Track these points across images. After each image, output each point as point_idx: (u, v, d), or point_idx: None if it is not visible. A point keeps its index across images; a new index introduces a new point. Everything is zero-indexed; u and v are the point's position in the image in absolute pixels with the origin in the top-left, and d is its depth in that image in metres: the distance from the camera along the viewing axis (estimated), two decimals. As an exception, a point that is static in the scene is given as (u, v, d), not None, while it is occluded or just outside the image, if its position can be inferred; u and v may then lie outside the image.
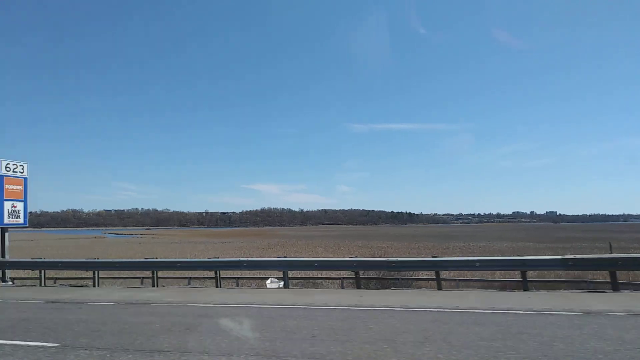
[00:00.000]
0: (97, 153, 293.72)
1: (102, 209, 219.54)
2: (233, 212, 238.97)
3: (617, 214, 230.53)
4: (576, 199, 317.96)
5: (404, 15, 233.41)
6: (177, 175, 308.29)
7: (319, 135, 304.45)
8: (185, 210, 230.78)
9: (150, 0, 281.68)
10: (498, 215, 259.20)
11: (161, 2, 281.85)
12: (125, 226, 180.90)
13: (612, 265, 9.26)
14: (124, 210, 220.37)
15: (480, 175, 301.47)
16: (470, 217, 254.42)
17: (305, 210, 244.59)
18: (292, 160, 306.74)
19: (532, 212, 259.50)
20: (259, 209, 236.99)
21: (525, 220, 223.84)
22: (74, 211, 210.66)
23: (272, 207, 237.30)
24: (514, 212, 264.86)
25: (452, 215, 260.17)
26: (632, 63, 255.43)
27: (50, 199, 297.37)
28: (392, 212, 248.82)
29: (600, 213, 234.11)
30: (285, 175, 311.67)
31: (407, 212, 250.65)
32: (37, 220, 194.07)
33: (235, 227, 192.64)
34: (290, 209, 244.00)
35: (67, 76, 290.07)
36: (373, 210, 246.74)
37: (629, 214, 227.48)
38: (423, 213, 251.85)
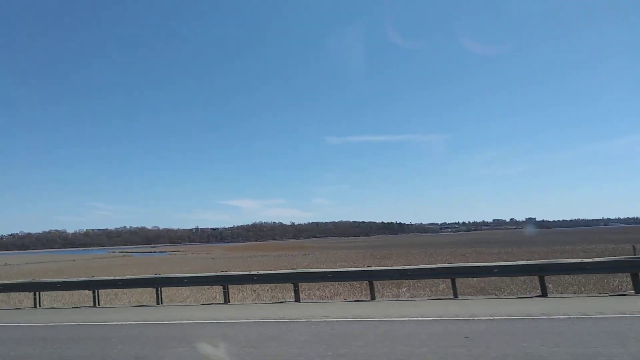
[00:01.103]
0: (67, 171, 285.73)
1: (75, 229, 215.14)
2: (224, 228, 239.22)
3: (597, 218, 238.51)
4: (553, 205, 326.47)
5: (380, 28, 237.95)
6: (152, 193, 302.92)
7: (296, 149, 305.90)
8: (175, 227, 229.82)
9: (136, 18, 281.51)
10: (484, 223, 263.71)
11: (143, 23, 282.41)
12: (113, 245, 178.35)
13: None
14: (107, 229, 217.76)
15: (458, 184, 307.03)
16: (456, 226, 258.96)
17: (296, 223, 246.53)
18: (270, 175, 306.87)
19: (512, 219, 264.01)
20: (241, 224, 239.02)
21: (511, 227, 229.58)
22: (58, 232, 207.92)
23: (254, 222, 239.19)
24: (494, 220, 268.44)
25: (437, 224, 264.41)
26: (604, 72, 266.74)
27: (30, 220, 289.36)
28: (382, 222, 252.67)
29: (581, 218, 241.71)
30: (263, 190, 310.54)
31: (398, 222, 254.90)
32: (22, 242, 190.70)
33: (229, 242, 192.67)
34: (281, 222, 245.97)
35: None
36: (364, 222, 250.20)
37: (608, 218, 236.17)
38: (412, 223, 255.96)
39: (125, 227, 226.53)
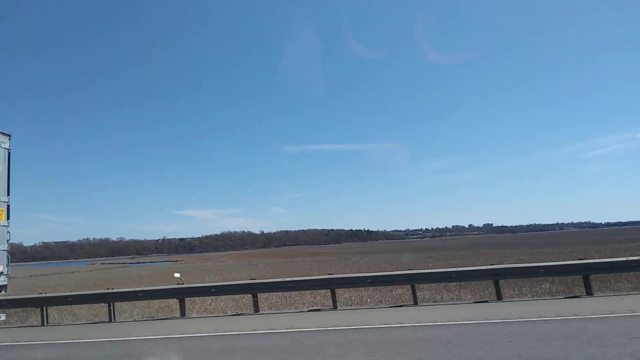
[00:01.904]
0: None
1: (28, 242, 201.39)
2: (192, 238, 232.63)
3: (551, 223, 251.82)
4: (507, 211, 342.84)
5: (339, 39, 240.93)
6: (101, 203, 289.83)
7: (253, 157, 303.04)
8: (142, 238, 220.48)
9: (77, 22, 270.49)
10: (446, 229, 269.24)
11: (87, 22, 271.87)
12: (77, 258, 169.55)
13: None
14: (68, 241, 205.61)
15: (417, 191, 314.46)
16: (420, 232, 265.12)
17: (265, 232, 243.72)
18: (227, 184, 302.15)
19: (470, 225, 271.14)
20: (208, 234, 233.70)
21: (474, 233, 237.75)
22: (15, 244, 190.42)
23: (209, 233, 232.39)
24: (454, 226, 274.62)
25: (401, 231, 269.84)
26: (558, 82, 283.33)
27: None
28: (351, 230, 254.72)
29: (536, 223, 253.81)
30: (219, 200, 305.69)
31: (366, 229, 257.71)
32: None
33: (198, 252, 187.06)
34: (250, 231, 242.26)
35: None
36: (333, 229, 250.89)
37: (562, 223, 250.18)
38: (378, 230, 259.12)
39: (88, 238, 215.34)
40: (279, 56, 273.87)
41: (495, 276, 10.28)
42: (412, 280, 10.70)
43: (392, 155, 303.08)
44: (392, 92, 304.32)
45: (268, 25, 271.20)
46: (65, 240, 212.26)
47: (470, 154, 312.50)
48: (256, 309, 10.85)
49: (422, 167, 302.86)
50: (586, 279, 10.07)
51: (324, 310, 10.35)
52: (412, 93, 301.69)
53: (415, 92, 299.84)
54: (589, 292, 9.90)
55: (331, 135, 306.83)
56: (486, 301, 9.96)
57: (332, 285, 10.80)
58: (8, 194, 9.53)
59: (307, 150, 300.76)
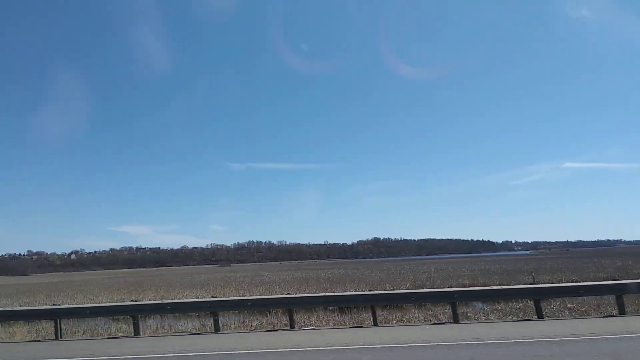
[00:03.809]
0: None
1: None
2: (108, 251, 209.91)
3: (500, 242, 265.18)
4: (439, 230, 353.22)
5: (280, 57, 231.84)
6: (23, 215, 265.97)
7: (195, 174, 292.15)
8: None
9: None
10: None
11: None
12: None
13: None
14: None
15: (353, 211, 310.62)
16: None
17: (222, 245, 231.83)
18: (165, 200, 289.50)
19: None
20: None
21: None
22: None
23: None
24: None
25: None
26: (489, 118, 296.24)
27: None
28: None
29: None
30: (157, 215, 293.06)
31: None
32: None
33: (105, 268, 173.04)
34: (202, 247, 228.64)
35: None
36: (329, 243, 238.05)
37: (514, 242, 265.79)
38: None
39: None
40: (223, 74, 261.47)
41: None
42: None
43: (328, 174, 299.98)
44: (328, 109, 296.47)
45: (208, 37, 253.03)
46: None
47: (408, 179, 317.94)
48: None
49: (361, 189, 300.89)
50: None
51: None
52: (348, 111, 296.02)
53: (352, 110, 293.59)
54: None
55: (274, 154, 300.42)
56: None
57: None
58: None
59: (251, 168, 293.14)
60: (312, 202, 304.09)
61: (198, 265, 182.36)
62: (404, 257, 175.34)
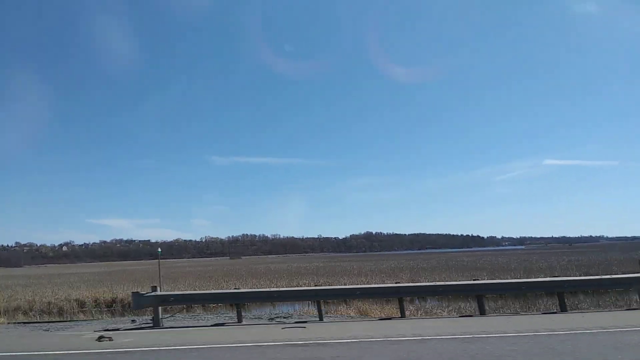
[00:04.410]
0: None
1: None
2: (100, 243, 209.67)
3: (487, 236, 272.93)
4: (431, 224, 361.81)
5: (264, 54, 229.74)
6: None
7: (179, 167, 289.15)
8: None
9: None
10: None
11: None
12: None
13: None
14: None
15: (340, 206, 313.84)
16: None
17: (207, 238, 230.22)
18: (148, 193, 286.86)
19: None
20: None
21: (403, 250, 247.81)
22: None
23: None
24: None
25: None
26: (473, 113, 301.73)
27: None
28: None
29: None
30: (138, 209, 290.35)
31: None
32: None
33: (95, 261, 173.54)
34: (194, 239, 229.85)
35: None
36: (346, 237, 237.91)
37: (502, 237, 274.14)
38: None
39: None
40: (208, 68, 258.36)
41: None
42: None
43: (319, 170, 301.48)
44: (316, 105, 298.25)
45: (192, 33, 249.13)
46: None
47: (393, 175, 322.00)
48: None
49: (348, 184, 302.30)
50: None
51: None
52: (335, 107, 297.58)
53: (339, 106, 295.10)
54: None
55: (260, 148, 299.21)
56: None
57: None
58: None
59: (235, 162, 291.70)
60: (298, 197, 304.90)
61: (193, 258, 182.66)
62: (397, 252, 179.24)
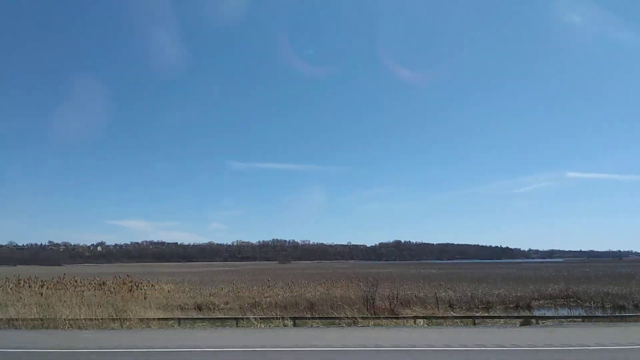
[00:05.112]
0: None
1: None
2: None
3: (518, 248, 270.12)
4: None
5: (285, 56, 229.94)
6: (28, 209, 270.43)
7: (199, 172, 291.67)
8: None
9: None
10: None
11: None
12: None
13: None
14: None
15: (355, 215, 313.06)
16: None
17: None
18: (168, 197, 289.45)
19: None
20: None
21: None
22: None
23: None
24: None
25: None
26: (492, 131, 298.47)
27: None
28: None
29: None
30: (155, 212, 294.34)
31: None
32: None
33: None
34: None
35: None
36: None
37: (530, 249, 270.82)
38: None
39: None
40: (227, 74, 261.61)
41: None
42: None
43: (330, 181, 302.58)
44: (340, 115, 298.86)
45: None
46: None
47: (409, 185, 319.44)
48: None
49: (361, 194, 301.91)
50: None
51: None
52: (355, 118, 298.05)
53: (359, 116, 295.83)
54: None
55: (277, 155, 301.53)
56: None
57: None
58: None
59: (252, 168, 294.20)
60: (317, 203, 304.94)
61: (225, 261, 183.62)
62: (432, 261, 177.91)
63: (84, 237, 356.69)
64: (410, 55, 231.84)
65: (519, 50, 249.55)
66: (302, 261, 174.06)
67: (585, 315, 14.87)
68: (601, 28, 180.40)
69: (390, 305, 16.03)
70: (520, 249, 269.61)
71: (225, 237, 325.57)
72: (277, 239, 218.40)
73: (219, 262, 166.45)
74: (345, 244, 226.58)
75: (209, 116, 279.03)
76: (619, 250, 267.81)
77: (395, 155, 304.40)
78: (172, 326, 13.29)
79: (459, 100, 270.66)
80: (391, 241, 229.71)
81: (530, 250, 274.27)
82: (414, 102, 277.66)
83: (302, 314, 16.22)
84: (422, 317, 13.75)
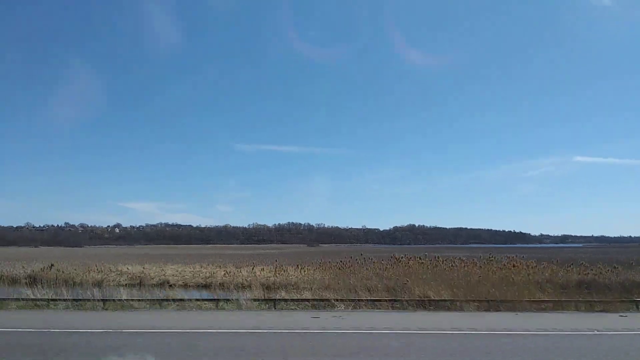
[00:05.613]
0: None
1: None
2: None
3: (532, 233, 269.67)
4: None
5: (293, 42, 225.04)
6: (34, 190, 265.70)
7: (204, 153, 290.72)
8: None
9: None
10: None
11: None
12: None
13: None
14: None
15: (368, 197, 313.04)
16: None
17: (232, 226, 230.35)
18: (174, 178, 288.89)
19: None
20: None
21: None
22: None
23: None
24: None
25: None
26: (498, 114, 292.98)
27: None
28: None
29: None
30: (165, 193, 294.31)
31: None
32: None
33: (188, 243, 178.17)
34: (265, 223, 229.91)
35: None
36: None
37: (545, 235, 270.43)
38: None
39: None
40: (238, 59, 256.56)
41: None
42: None
43: (336, 162, 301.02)
44: (343, 97, 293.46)
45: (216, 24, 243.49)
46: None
47: (415, 166, 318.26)
48: None
49: (370, 175, 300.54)
50: None
51: None
52: (362, 100, 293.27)
53: (367, 99, 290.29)
54: None
55: (285, 137, 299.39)
56: None
57: None
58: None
59: (257, 150, 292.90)
60: (325, 187, 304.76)
61: (242, 244, 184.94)
62: (448, 245, 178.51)
63: (95, 218, 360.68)
64: (419, 36, 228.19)
65: (530, 34, 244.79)
66: (339, 245, 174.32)
67: None
68: (627, 11, 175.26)
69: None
70: (530, 234, 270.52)
71: (232, 219, 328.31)
72: (292, 222, 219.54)
73: (236, 245, 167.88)
74: (360, 227, 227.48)
75: (210, 97, 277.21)
76: (630, 236, 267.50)
77: (404, 137, 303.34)
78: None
79: (470, 83, 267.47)
80: (405, 225, 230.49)
81: (542, 235, 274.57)
82: (423, 84, 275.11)
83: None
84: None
